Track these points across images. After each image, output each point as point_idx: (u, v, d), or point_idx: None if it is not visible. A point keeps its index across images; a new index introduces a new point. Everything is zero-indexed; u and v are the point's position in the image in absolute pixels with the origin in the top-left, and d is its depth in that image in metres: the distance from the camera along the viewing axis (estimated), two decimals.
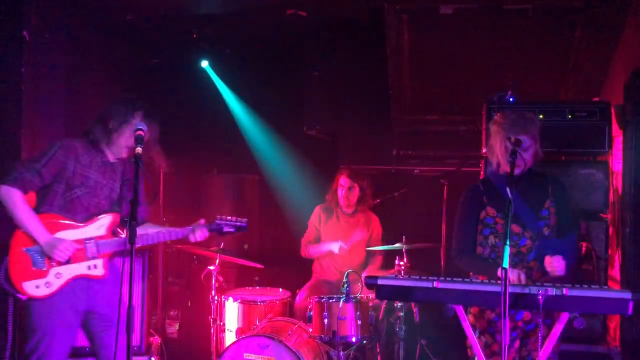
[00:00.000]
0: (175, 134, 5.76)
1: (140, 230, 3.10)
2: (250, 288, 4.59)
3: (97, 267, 3.00)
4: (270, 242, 5.91)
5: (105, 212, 3.05)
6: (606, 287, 2.62)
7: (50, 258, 2.92)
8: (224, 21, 5.20)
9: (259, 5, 4.78)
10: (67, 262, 2.94)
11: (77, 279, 2.97)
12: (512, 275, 2.71)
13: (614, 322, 3.80)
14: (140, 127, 2.90)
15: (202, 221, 3.20)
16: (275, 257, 5.44)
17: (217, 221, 3.20)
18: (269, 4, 4.76)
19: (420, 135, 5.37)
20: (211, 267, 4.20)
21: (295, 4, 4.70)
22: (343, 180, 4.70)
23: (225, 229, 3.21)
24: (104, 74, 5.24)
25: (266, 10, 4.89)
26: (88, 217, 3.01)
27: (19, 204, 2.89)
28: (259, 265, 4.58)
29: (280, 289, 4.45)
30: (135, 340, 4.01)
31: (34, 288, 2.89)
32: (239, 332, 4.03)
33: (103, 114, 3.06)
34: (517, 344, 2.87)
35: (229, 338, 4.08)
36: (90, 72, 5.00)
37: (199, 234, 3.15)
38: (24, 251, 2.91)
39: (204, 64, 5.89)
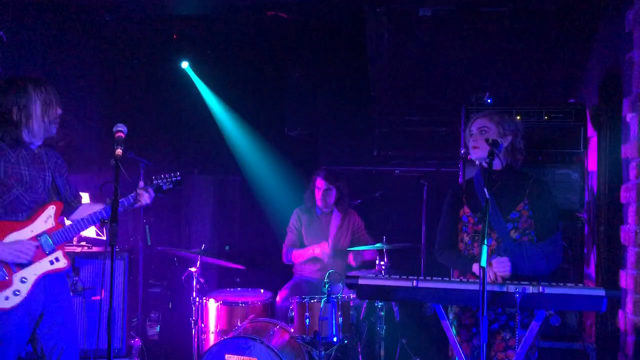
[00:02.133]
0: (156, 134, 5.76)
1: (82, 212, 3.07)
2: (232, 289, 4.59)
3: (59, 260, 2.91)
4: (251, 243, 5.91)
5: (46, 202, 2.95)
6: (582, 285, 2.66)
7: (8, 265, 2.80)
8: (205, 22, 5.19)
9: (239, 7, 4.78)
10: (29, 263, 2.84)
11: (44, 277, 2.88)
12: (490, 273, 2.75)
13: (589, 319, 3.88)
14: (120, 128, 2.87)
15: (141, 184, 3.13)
16: (257, 258, 5.45)
17: (155, 181, 3.17)
18: (250, 6, 4.77)
19: (400, 136, 5.41)
20: (192, 269, 4.19)
21: (276, 5, 4.71)
22: (319, 183, 4.74)
23: (165, 187, 3.20)
24: (82, 74, 5.20)
25: (247, 12, 4.89)
26: (31, 213, 2.90)
27: None
28: (240, 267, 4.58)
29: (262, 290, 4.45)
30: (116, 342, 3.99)
31: (4, 300, 2.77)
32: (220, 333, 4.02)
33: (13, 103, 2.86)
34: (476, 340, 2.89)
35: (211, 339, 4.08)
36: (69, 72, 4.96)
37: (145, 197, 3.09)
38: None
39: (185, 64, 5.88)
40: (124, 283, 4.13)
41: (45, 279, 2.92)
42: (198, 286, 4.15)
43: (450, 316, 2.95)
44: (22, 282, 2.83)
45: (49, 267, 2.90)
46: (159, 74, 5.80)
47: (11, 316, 2.81)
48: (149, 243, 5.15)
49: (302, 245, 4.79)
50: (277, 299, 4.55)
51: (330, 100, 5.69)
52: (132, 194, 3.09)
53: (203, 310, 4.14)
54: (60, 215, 3.01)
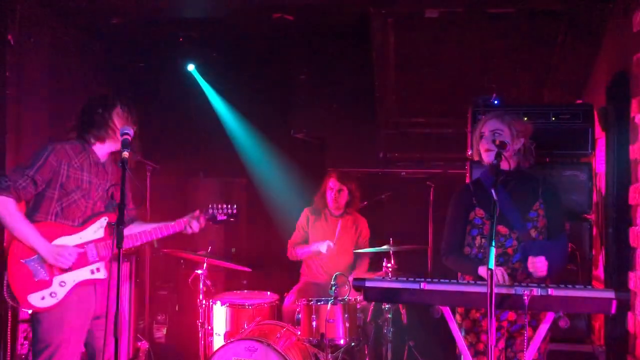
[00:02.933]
0: (162, 137, 5.76)
1: (132, 229, 3.12)
2: (238, 292, 4.59)
3: (99, 271, 2.97)
4: (258, 246, 5.90)
5: (101, 213, 3.01)
6: (590, 287, 2.65)
7: (52, 266, 2.86)
8: (211, 25, 5.19)
9: (245, 9, 4.78)
10: (69, 268, 2.89)
11: (83, 285, 2.93)
12: (497, 275, 2.73)
13: (598, 322, 3.85)
14: (126, 131, 2.88)
15: (197, 212, 3.19)
16: (263, 261, 5.44)
17: (210, 210, 3.21)
18: (256, 8, 4.77)
19: (407, 137, 5.40)
20: (199, 271, 4.19)
21: (282, 8, 4.71)
22: (332, 183, 4.73)
23: (219, 217, 3.23)
24: (89, 78, 5.21)
25: (253, 14, 4.89)
26: (85, 220, 2.97)
27: (15, 213, 2.83)
28: (246, 269, 4.57)
29: (268, 292, 4.45)
30: (123, 345, 3.99)
31: (40, 300, 2.83)
32: (227, 336, 4.02)
33: (85, 112, 3.03)
34: (501, 344, 2.89)
35: (217, 342, 4.07)
36: (76, 76, 4.97)
37: (195, 224, 3.15)
38: (23, 263, 2.84)
39: (191, 67, 5.89)
40: (131, 286, 4.13)
41: (96, 287, 2.97)
42: (205, 289, 4.15)
43: (459, 319, 2.93)
44: (61, 285, 2.88)
45: (89, 276, 2.95)
46: (165, 77, 5.81)
47: (57, 318, 2.85)
48: (156, 246, 5.15)
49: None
50: (284, 301, 4.55)
51: (336, 102, 5.68)
52: (184, 219, 3.13)
53: (210, 313, 4.14)
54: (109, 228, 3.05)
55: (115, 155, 3.11)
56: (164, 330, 5.31)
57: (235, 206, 3.28)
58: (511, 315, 2.86)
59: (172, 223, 3.12)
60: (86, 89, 5.02)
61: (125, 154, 2.76)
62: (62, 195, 2.91)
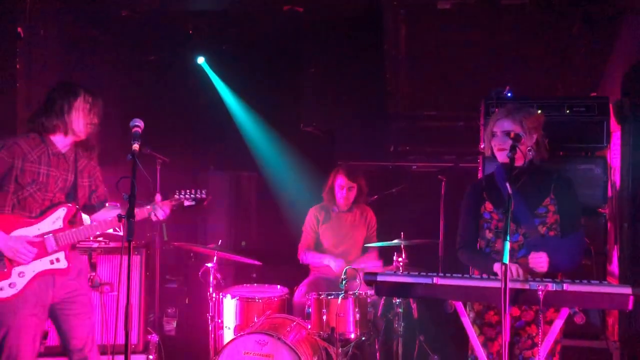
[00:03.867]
0: (171, 131, 5.75)
1: (102, 214, 3.14)
2: (248, 285, 4.57)
3: (59, 261, 2.97)
4: (267, 239, 5.89)
5: (60, 203, 3.00)
6: (606, 282, 2.60)
7: (11, 261, 2.88)
8: (221, 17, 5.18)
9: (255, 1, 4.76)
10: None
11: (42, 275, 2.94)
12: (512, 270, 2.69)
13: (612, 318, 3.81)
14: (137, 123, 2.86)
15: (158, 198, 3.14)
16: (273, 254, 5.43)
17: (177, 196, 3.18)
18: (266, 0, 4.74)
19: (418, 131, 5.36)
20: (209, 265, 4.18)
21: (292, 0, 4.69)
22: (342, 181, 4.67)
23: (186, 203, 3.18)
24: (98, 71, 5.21)
25: (263, 7, 4.87)
26: (43, 211, 2.97)
27: None
28: (257, 262, 4.56)
29: (278, 286, 4.43)
30: (133, 338, 3.99)
31: None
32: (237, 329, 4.01)
33: (47, 102, 2.99)
34: (502, 338, 2.84)
35: (227, 335, 4.06)
36: (85, 69, 4.97)
37: (160, 212, 3.12)
38: None
39: (200, 60, 5.87)
40: (141, 278, 4.12)
41: (54, 277, 2.98)
42: (215, 282, 4.14)
43: (472, 315, 2.89)
44: (20, 276, 2.90)
45: (49, 266, 2.96)
46: (175, 70, 5.80)
47: (14, 307, 2.87)
48: (166, 239, 5.16)
49: (317, 245, 4.77)
50: (295, 295, 4.53)
51: (347, 95, 5.64)
52: (148, 207, 3.10)
53: (220, 306, 4.13)
54: (71, 218, 3.05)
55: (83, 145, 3.08)
56: (174, 324, 5.32)
57: (204, 191, 3.22)
58: (514, 311, 2.80)
59: (137, 209, 2.99)
60: (96, 81, 5.01)
61: (135, 146, 2.75)
62: (18, 189, 2.91)
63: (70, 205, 3.04)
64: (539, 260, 2.69)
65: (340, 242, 4.73)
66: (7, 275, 2.88)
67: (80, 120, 2.99)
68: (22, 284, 2.89)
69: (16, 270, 2.89)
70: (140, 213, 3.06)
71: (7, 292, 2.86)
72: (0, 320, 2.89)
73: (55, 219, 2.99)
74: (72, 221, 3.06)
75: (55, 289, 3.00)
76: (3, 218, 2.90)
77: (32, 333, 2.94)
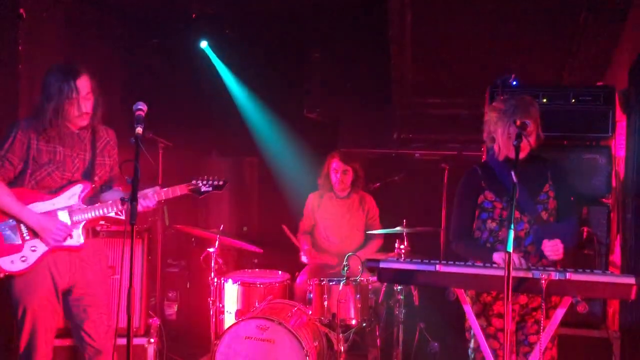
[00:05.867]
0: (174, 115, 5.73)
1: (110, 196, 3.10)
2: (250, 270, 4.59)
3: (72, 237, 2.95)
4: (269, 225, 5.89)
5: (76, 181, 3.00)
6: (609, 272, 2.60)
7: (23, 231, 2.88)
8: (224, 1, 5.14)
9: None
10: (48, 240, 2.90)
11: (54, 251, 2.93)
12: (514, 259, 2.69)
13: (612, 307, 3.81)
14: (140, 107, 2.84)
15: (151, 191, 3.04)
16: (275, 240, 5.43)
17: (194, 181, 3.14)
18: None
19: (422, 118, 5.33)
20: (211, 249, 4.18)
21: None
22: (336, 164, 4.69)
23: (203, 189, 3.16)
24: (102, 53, 5.18)
25: None
26: (59, 189, 2.97)
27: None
28: (258, 249, 4.57)
29: (280, 272, 4.44)
30: (135, 322, 4.00)
31: (9, 264, 2.85)
32: (238, 314, 4.02)
33: (42, 89, 2.94)
34: (512, 326, 2.86)
35: (228, 320, 4.08)
36: (88, 51, 4.93)
37: (147, 201, 2.99)
38: None
39: (204, 44, 5.83)
40: (143, 262, 4.13)
41: (71, 257, 2.96)
42: (216, 266, 4.15)
43: (478, 307, 2.88)
44: (32, 250, 2.90)
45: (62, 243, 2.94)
46: (178, 54, 5.76)
47: (29, 283, 2.87)
48: (167, 223, 5.16)
49: (316, 232, 4.82)
50: (296, 281, 4.54)
51: (350, 81, 5.61)
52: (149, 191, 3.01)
53: (221, 291, 4.14)
54: (87, 196, 3.04)
55: (94, 125, 3.05)
56: (175, 307, 5.34)
57: (222, 179, 3.19)
58: (522, 299, 2.82)
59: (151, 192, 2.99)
60: (99, 64, 4.98)
61: (139, 129, 2.73)
62: (36, 169, 2.92)
63: (87, 182, 3.02)
64: (555, 248, 2.68)
65: (338, 228, 4.74)
66: (19, 249, 2.88)
67: (82, 101, 2.94)
68: (34, 258, 2.89)
69: (29, 244, 2.89)
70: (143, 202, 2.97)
71: (19, 266, 2.86)
72: (17, 297, 2.90)
73: (71, 196, 2.97)
74: (90, 199, 3.05)
75: (71, 268, 2.98)
76: (20, 191, 2.91)
77: (51, 309, 2.94)
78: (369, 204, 4.80)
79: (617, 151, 3.81)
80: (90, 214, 2.99)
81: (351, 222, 4.74)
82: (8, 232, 2.88)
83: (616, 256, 3.76)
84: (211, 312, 4.14)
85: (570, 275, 2.52)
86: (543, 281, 2.51)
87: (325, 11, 5.19)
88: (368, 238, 4.75)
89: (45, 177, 2.93)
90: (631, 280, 2.49)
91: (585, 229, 3.52)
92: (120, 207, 2.99)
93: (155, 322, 4.03)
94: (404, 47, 4.83)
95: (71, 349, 3.55)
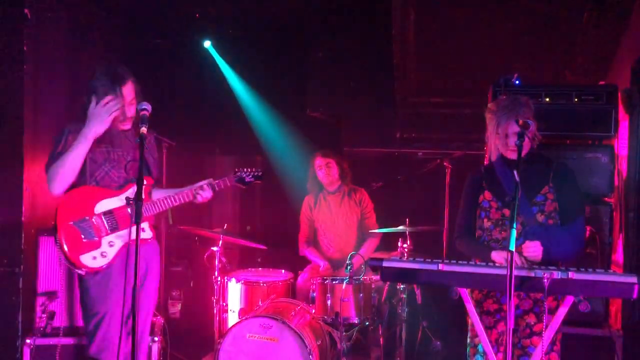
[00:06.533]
0: (178, 114, 5.75)
1: (161, 193, 3.16)
2: (253, 269, 4.60)
3: (145, 230, 3.03)
4: (272, 224, 5.91)
5: (135, 179, 3.02)
6: (611, 271, 2.61)
7: (99, 228, 2.90)
8: (227, 1, 5.14)
9: None
10: (116, 229, 2.95)
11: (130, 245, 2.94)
12: (515, 258, 2.70)
13: (615, 306, 3.81)
14: (144, 107, 2.85)
15: (199, 185, 3.17)
16: (278, 239, 5.45)
17: (238, 172, 3.25)
18: None
19: (425, 117, 5.34)
20: (214, 248, 4.20)
21: None
22: (319, 161, 4.77)
23: (247, 179, 3.26)
24: (105, 53, 5.19)
25: None
26: (123, 184, 3.02)
27: (59, 160, 2.88)
28: (262, 247, 4.58)
29: (283, 270, 4.46)
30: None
31: (91, 260, 2.89)
32: (241, 312, 4.04)
33: (89, 89, 2.98)
34: (501, 327, 2.85)
35: (232, 319, 4.10)
36: (93, 51, 4.95)
37: (205, 194, 3.14)
38: (71, 225, 2.89)
39: (207, 44, 5.85)
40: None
41: (145, 247, 3.01)
42: (220, 265, 4.17)
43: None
44: (110, 245, 2.94)
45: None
46: (182, 53, 5.78)
47: (105, 276, 2.91)
48: (171, 222, 5.18)
49: (314, 233, 4.83)
50: (299, 279, 4.56)
51: (354, 80, 5.62)
52: (187, 190, 3.12)
53: (224, 290, 4.16)
54: (150, 190, 3.12)
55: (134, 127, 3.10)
56: (179, 306, 5.36)
57: (260, 170, 3.30)
58: (513, 300, 2.81)
59: (178, 194, 3.10)
60: (103, 64, 4.99)
61: (144, 129, 2.75)
62: (95, 169, 2.97)
63: (149, 178, 3.10)
64: (533, 249, 2.71)
65: (333, 223, 4.76)
66: (98, 245, 2.92)
67: (127, 107, 2.99)
68: (113, 253, 2.93)
69: (106, 239, 2.93)
70: (185, 196, 3.09)
71: (100, 262, 2.90)
72: (95, 298, 2.92)
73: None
74: (149, 194, 3.13)
75: (147, 261, 3.02)
76: (86, 189, 2.95)
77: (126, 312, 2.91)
78: (363, 197, 4.84)
79: (619, 150, 3.81)
80: (157, 208, 3.04)
81: (346, 215, 4.77)
82: (85, 229, 2.91)
83: (619, 255, 3.76)
84: (215, 311, 4.16)
85: (573, 275, 2.52)
86: (545, 280, 2.52)
87: (328, 10, 5.20)
88: (365, 237, 4.76)
89: (104, 176, 2.99)
90: (634, 279, 2.49)
91: (589, 228, 3.52)
92: (199, 191, 3.09)
93: (159, 320, 4.05)
94: (407, 46, 4.84)
95: (75, 348, 3.57)
